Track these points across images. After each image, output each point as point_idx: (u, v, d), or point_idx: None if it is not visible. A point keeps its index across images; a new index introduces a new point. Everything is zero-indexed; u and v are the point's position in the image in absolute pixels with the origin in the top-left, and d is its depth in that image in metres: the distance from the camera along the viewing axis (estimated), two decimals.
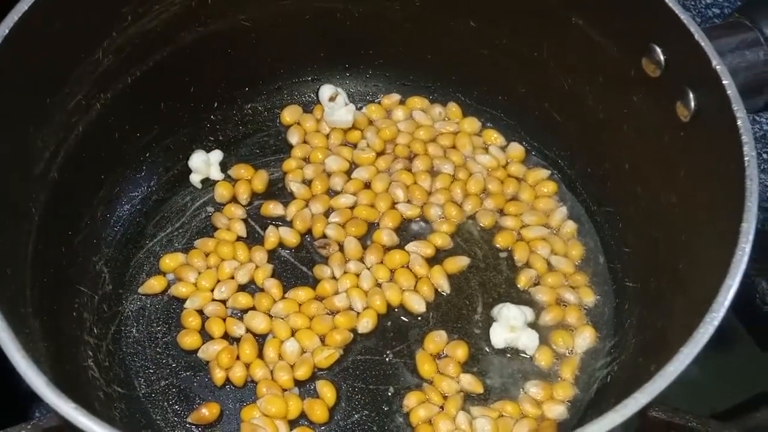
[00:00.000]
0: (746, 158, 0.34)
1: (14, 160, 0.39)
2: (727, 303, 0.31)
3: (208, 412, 0.42)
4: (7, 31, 0.37)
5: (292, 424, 0.42)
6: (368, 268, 0.47)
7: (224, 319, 0.45)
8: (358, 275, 0.47)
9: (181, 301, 0.46)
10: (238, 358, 0.44)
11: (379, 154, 0.52)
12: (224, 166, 0.51)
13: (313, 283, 0.47)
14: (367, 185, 0.51)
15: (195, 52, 0.48)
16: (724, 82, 0.36)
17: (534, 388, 0.44)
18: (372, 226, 0.50)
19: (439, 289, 0.47)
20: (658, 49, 0.39)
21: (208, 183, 0.51)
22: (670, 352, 0.31)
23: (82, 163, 0.44)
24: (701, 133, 0.38)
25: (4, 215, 0.38)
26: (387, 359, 0.45)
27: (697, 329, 0.30)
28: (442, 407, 0.43)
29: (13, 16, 0.37)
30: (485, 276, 0.48)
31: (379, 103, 0.55)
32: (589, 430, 0.29)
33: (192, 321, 0.45)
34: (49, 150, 0.42)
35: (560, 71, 0.48)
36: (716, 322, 0.30)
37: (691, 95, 0.38)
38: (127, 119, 0.47)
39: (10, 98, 0.38)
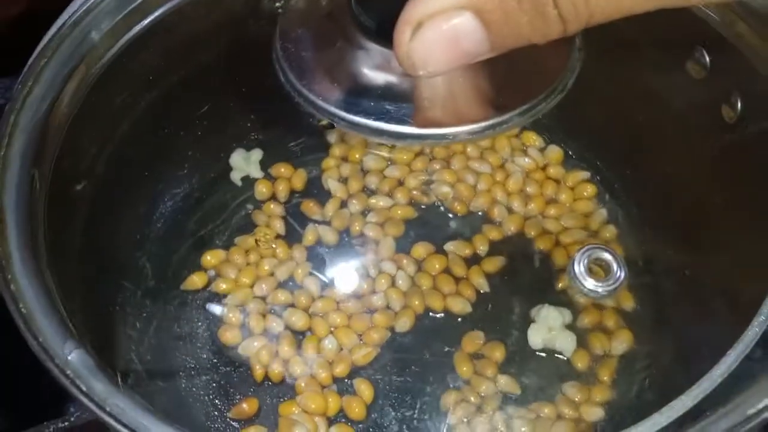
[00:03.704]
0: None
1: (63, 156, 0.40)
2: None
3: (247, 406, 0.43)
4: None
5: (331, 421, 0.43)
6: (406, 268, 0.48)
7: (264, 316, 0.46)
8: (395, 274, 0.47)
9: (221, 297, 0.47)
10: (277, 354, 0.44)
11: (417, 154, 0.53)
12: (264, 165, 0.52)
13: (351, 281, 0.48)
14: (401, 182, 0.51)
15: (237, 53, 0.49)
16: None
17: (571, 390, 0.44)
18: (409, 225, 0.50)
19: (478, 289, 0.47)
20: (704, 51, 0.39)
21: (248, 181, 0.51)
22: (712, 356, 0.31)
23: (126, 160, 0.45)
24: (748, 134, 0.37)
25: (56, 212, 0.38)
26: (424, 358, 0.45)
27: (746, 332, 0.29)
28: (479, 407, 0.43)
29: (65, 16, 0.38)
30: (523, 277, 0.48)
31: None
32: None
33: (232, 317, 0.46)
34: (95, 146, 0.43)
35: (600, 73, 0.48)
36: (765, 326, 0.29)
37: (737, 97, 0.37)
38: (170, 118, 0.48)
39: None
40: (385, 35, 0.26)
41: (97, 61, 0.39)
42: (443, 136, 0.27)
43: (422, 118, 0.27)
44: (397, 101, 0.27)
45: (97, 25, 0.39)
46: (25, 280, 0.32)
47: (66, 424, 0.34)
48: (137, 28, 0.40)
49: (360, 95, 0.28)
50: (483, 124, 0.27)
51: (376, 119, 0.27)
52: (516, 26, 0.22)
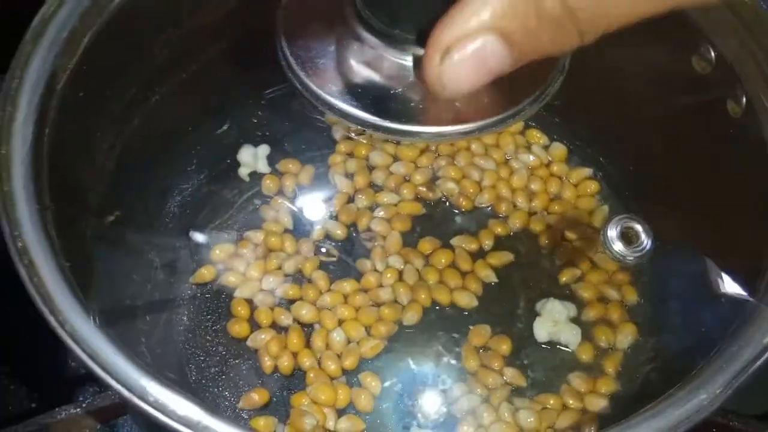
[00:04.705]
0: None
1: (80, 153, 0.40)
2: None
3: (258, 396, 0.43)
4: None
5: (339, 412, 0.43)
6: (413, 262, 0.48)
7: (272, 309, 0.46)
8: (402, 269, 0.48)
9: (230, 290, 0.47)
10: (286, 347, 0.45)
11: (423, 151, 0.53)
12: (271, 161, 0.52)
13: (358, 275, 0.48)
14: (407, 179, 0.52)
15: (246, 50, 0.49)
16: None
17: (576, 381, 0.44)
18: (416, 220, 0.50)
19: (484, 282, 0.48)
20: (710, 46, 0.39)
21: (256, 176, 0.52)
22: (721, 350, 0.32)
23: (136, 155, 0.45)
24: (754, 127, 0.38)
25: (72, 209, 0.39)
26: (431, 351, 0.46)
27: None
28: (486, 399, 0.44)
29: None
30: (528, 271, 0.49)
31: None
32: (645, 425, 0.29)
33: (241, 310, 0.46)
34: (107, 142, 0.43)
35: (604, 69, 0.49)
36: None
37: (743, 92, 0.38)
38: (179, 114, 0.48)
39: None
40: (394, 36, 0.27)
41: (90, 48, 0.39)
42: (440, 135, 0.28)
43: (426, 116, 0.28)
44: (400, 100, 0.28)
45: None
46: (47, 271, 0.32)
47: (78, 410, 0.35)
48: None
49: (361, 92, 0.28)
50: (476, 124, 0.28)
51: (374, 115, 0.27)
52: (537, 42, 0.23)
